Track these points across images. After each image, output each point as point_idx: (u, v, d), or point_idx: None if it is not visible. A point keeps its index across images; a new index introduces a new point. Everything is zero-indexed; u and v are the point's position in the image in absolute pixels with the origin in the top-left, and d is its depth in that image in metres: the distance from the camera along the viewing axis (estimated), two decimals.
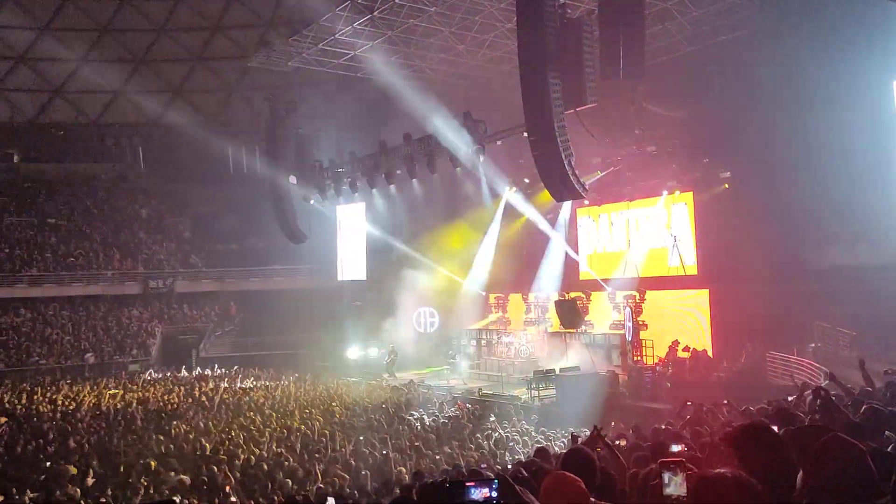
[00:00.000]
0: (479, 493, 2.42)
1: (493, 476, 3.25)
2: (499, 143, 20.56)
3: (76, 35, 38.61)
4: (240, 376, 26.15)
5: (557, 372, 19.81)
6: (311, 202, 28.44)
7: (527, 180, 23.15)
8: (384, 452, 10.44)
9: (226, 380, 25.22)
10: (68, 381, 25.72)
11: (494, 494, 2.43)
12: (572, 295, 23.36)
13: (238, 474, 9.61)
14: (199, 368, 29.00)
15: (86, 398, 20.71)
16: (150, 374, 27.97)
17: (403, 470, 8.82)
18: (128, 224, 38.12)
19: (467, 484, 2.48)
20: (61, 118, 40.65)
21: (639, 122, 20.09)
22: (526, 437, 12.66)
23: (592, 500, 3.41)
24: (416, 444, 11.60)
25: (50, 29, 38.34)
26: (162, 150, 40.74)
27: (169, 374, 27.63)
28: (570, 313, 21.88)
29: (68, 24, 38.35)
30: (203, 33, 39.76)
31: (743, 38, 19.80)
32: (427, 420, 15.33)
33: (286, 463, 10.18)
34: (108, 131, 41.68)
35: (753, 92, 18.41)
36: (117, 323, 33.11)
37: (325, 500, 7.13)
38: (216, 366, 28.94)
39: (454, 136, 21.30)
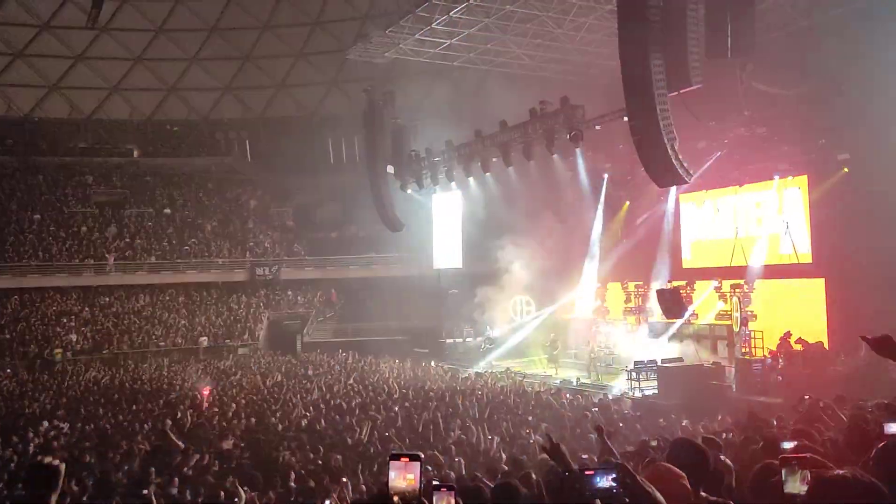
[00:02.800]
0: (602, 482, 2.46)
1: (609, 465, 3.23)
2: (597, 128, 20.13)
3: (187, 35, 40.89)
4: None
5: (659, 363, 19.30)
6: (409, 191, 28.85)
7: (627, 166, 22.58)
8: (490, 438, 10.52)
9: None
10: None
11: (615, 483, 2.45)
12: (675, 284, 22.63)
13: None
14: (303, 353, 30.10)
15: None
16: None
17: (505, 457, 8.85)
18: (236, 214, 40.02)
19: (587, 472, 2.50)
20: (175, 115, 43.16)
21: (748, 102, 19.09)
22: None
23: (703, 495, 3.30)
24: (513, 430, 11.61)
25: (163, 30, 40.74)
26: (267, 143, 42.58)
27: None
28: (673, 302, 21.20)
29: (179, 24, 40.61)
30: (303, 28, 41.08)
31: (862, 10, 18.38)
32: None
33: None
34: (218, 126, 43.93)
35: (873, 69, 17.09)
36: (227, 308, 34.87)
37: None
38: (318, 350, 29.90)
39: (551, 122, 21.04)
